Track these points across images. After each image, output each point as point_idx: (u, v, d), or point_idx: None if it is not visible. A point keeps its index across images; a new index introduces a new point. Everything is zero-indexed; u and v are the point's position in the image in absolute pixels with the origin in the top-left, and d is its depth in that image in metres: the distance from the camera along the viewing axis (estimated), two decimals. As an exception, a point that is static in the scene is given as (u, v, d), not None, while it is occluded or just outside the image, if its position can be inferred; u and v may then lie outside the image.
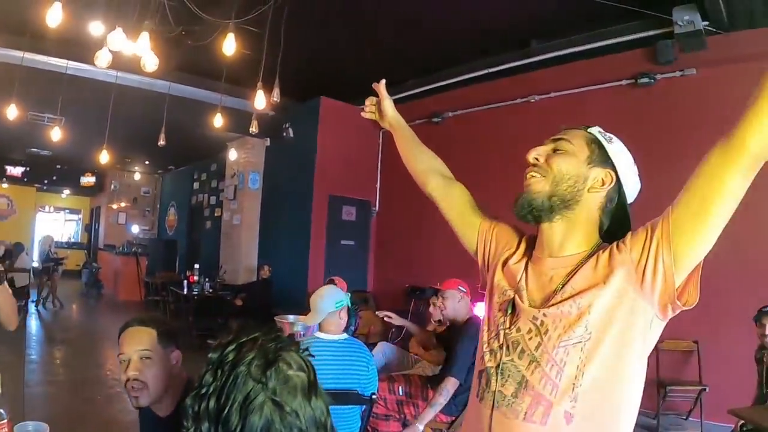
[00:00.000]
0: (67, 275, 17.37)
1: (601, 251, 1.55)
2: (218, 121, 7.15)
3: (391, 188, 10.09)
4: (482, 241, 1.91)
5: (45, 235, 16.56)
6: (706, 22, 6.05)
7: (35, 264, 14.57)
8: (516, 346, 1.56)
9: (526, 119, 7.88)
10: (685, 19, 6.02)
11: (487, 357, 1.63)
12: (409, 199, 8.81)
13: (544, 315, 1.54)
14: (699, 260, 1.41)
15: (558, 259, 1.63)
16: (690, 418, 6.15)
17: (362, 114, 2.45)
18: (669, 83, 6.68)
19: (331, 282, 6.27)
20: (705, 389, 5.81)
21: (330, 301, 3.60)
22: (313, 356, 1.41)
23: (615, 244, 1.53)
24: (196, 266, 11.40)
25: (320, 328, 3.67)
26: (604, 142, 1.66)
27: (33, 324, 11.65)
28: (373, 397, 3.61)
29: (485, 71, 8.28)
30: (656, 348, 5.95)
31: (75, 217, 24.49)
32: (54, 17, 4.62)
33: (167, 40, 6.14)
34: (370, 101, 2.40)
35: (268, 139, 11.20)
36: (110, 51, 5.19)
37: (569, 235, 1.63)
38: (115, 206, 18.90)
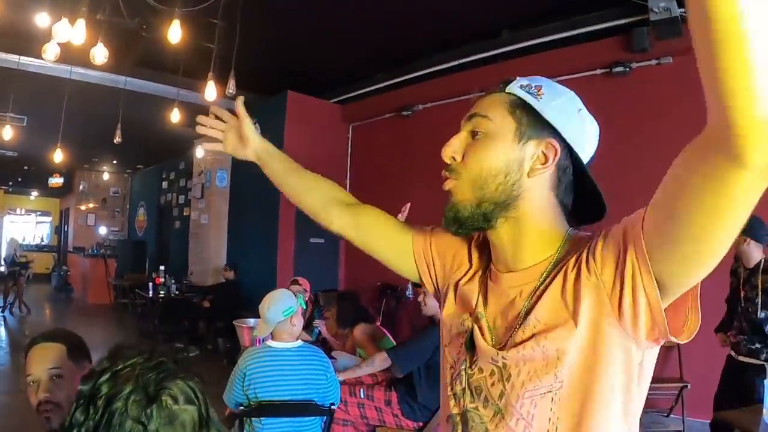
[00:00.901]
0: (37, 279, 17.09)
1: (571, 257, 1.15)
2: (175, 116, 6.90)
3: (362, 183, 9.86)
4: (423, 265, 1.49)
5: (10, 238, 16.29)
6: (683, 9, 5.86)
7: (1, 268, 14.28)
8: (479, 392, 1.22)
9: (497, 110, 7.65)
10: (661, 6, 5.84)
11: (451, 403, 1.28)
12: (380, 194, 8.60)
13: (504, 358, 1.18)
14: (697, 281, 0.97)
15: (516, 274, 1.23)
16: (672, 415, 6.01)
17: (203, 146, 1.98)
18: (644, 72, 6.51)
19: (295, 282, 6.07)
20: (686, 386, 5.65)
21: (277, 310, 3.38)
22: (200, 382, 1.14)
23: (585, 256, 1.11)
24: (162, 268, 11.08)
25: (273, 336, 3.45)
26: (532, 101, 1.20)
27: (-2, 330, 11.40)
28: (333, 407, 3.40)
29: (456, 62, 8.07)
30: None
31: (46, 219, 24.19)
32: None
33: (121, 33, 5.95)
34: (213, 117, 1.85)
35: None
36: (58, 44, 4.98)
37: (522, 241, 1.23)
38: (83, 207, 18.50)
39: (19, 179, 19.45)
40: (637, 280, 0.99)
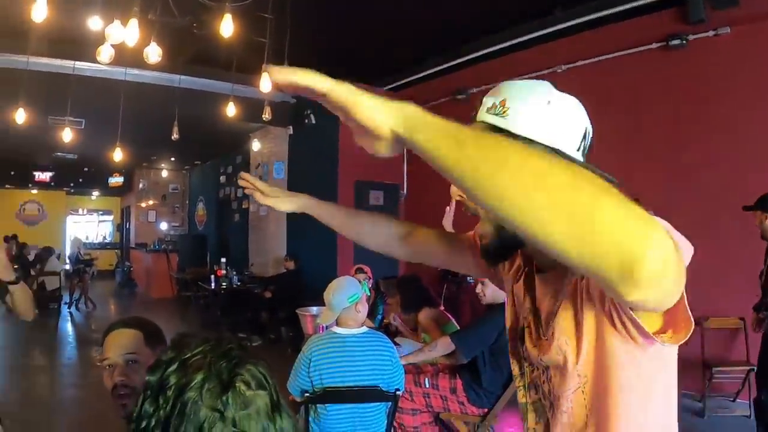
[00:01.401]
0: (101, 276, 17.49)
1: None
2: (231, 110, 6.97)
3: (419, 170, 9.77)
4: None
5: (74, 237, 16.69)
6: (738, -23, 5.72)
7: (66, 266, 14.63)
8: (537, 387, 1.36)
9: (552, 91, 7.54)
10: (717, -27, 5.70)
11: (521, 393, 1.42)
12: (437, 180, 8.54)
13: (541, 360, 1.29)
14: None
15: (548, 275, 1.32)
16: (738, 400, 5.83)
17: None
18: (702, 44, 6.30)
19: (360, 270, 6.09)
20: (753, 369, 5.33)
21: (342, 296, 3.38)
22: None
23: None
24: (223, 260, 11.24)
25: (338, 322, 3.45)
26: (500, 122, 1.23)
27: (65, 326, 11.67)
28: (398, 393, 3.38)
29: (509, 43, 7.98)
30: (700, 327, 5.67)
31: (108, 217, 24.68)
32: (39, 13, 4.46)
33: (173, 32, 6.02)
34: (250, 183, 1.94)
35: (291, 127, 11.00)
36: (112, 45, 5.06)
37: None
38: (144, 204, 18.87)
39: (80, 180, 19.92)
40: (613, 313, 1.04)
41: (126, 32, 4.73)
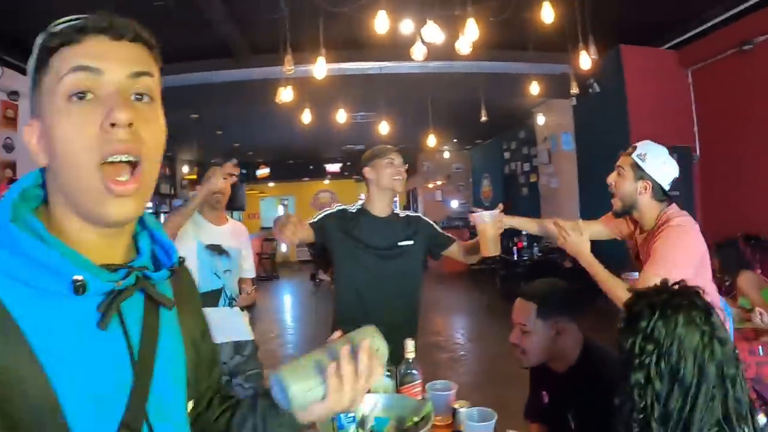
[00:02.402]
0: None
1: (656, 228, 2.86)
2: (534, 88, 7.36)
3: (712, 131, 9.37)
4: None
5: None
6: None
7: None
8: None
9: None
10: None
11: None
12: (734, 140, 8.25)
13: None
14: None
15: (643, 235, 3.00)
16: None
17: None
18: None
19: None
20: None
21: None
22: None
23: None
24: (524, 232, 11.52)
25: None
26: (640, 163, 2.86)
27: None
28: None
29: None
30: None
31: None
32: (381, 25, 5.09)
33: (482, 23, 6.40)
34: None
35: (574, 98, 11.05)
36: (423, 43, 5.49)
37: (642, 219, 2.97)
38: (431, 185, 19.98)
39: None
40: None
41: (438, 32, 5.21)
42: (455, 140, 17.81)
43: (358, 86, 8.88)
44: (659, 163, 2.82)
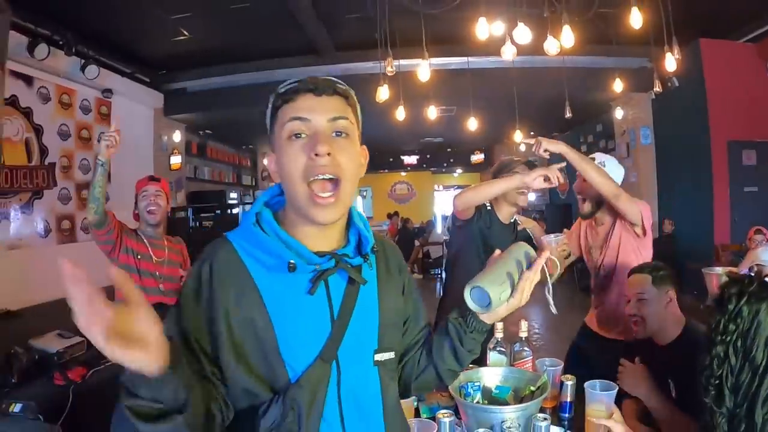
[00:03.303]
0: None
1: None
2: (618, 86, 7.49)
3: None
4: None
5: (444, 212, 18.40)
6: None
7: (446, 237, 16.16)
8: None
9: None
10: None
11: None
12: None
13: None
14: None
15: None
16: None
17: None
18: None
19: (759, 232, 6.18)
20: None
21: None
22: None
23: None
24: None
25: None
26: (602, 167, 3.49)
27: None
28: None
29: None
30: None
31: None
32: (482, 31, 5.40)
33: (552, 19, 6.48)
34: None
35: (652, 92, 10.97)
36: (513, 44, 5.60)
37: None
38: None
39: (451, 160, 22.14)
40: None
41: (527, 34, 5.36)
42: (532, 132, 17.79)
43: (444, 81, 9.08)
44: (614, 167, 3.59)
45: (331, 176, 1.33)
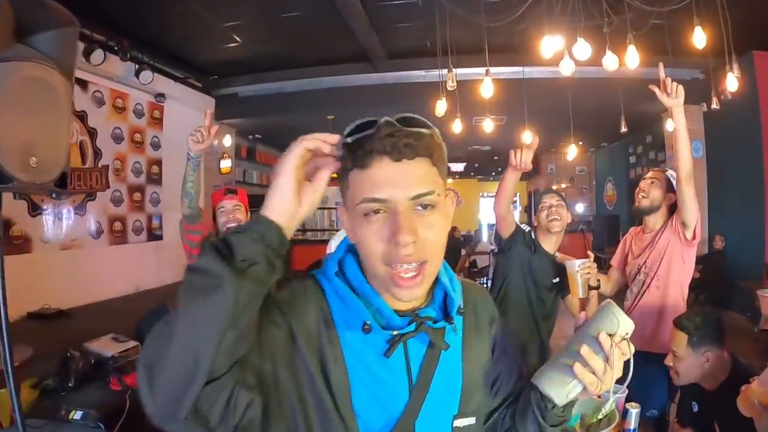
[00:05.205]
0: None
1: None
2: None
3: None
4: None
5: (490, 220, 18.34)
6: None
7: (492, 247, 16.09)
8: None
9: None
10: None
11: None
12: None
13: None
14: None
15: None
16: None
17: None
18: None
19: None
20: None
21: None
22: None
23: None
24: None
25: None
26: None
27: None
28: None
29: None
30: None
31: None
32: (547, 49, 5.48)
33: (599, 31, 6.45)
34: None
35: (704, 104, 10.81)
36: (571, 58, 5.69)
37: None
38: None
39: (499, 169, 21.89)
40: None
41: (586, 48, 5.36)
42: (580, 142, 17.66)
43: (498, 90, 9.08)
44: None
45: (415, 263, 1.17)
